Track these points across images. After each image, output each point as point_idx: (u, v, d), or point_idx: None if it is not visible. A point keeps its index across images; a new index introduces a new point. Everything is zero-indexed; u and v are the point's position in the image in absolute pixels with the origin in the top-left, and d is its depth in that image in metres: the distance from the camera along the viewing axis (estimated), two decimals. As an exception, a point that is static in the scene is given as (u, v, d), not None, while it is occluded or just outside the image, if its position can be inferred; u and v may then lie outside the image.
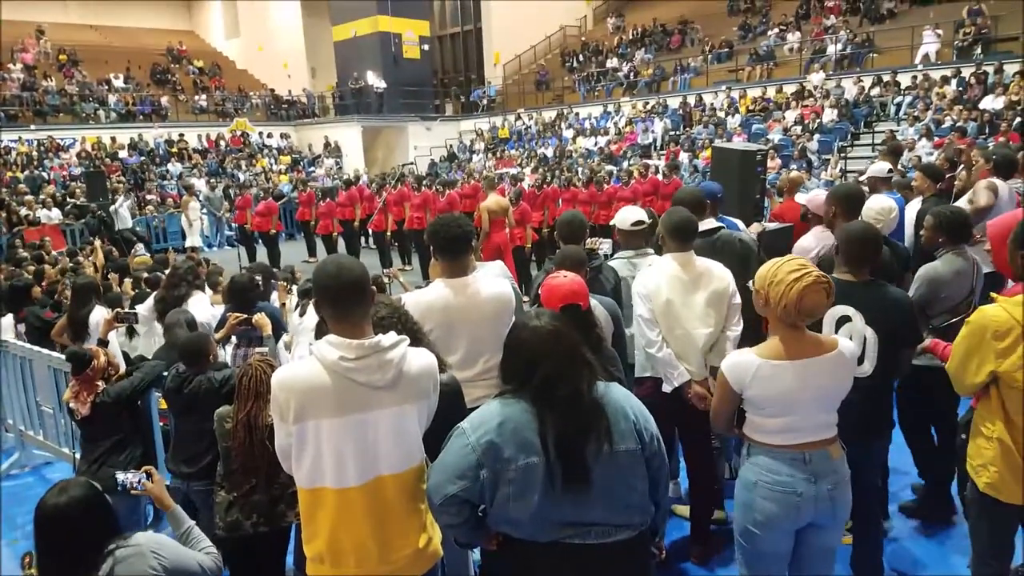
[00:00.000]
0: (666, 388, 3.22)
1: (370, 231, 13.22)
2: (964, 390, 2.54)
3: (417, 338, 2.43)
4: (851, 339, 2.75)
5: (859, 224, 3.11)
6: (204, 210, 17.21)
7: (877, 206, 4.02)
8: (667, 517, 3.77)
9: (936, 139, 13.40)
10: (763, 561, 2.39)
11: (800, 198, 4.64)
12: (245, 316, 3.96)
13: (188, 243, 14.23)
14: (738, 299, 3.34)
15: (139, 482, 2.51)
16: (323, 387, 1.97)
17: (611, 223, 4.58)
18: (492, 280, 3.12)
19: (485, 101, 26.50)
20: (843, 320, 2.80)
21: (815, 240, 4.07)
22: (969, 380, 2.46)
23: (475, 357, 2.96)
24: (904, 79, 16.88)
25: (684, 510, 3.80)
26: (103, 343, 4.13)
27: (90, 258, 9.10)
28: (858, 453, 2.86)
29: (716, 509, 3.79)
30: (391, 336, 2.05)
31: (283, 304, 5.05)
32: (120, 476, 2.56)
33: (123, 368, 4.05)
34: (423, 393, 2.09)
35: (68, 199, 16.58)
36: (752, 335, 2.94)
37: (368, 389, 1.98)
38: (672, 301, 3.27)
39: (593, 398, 1.92)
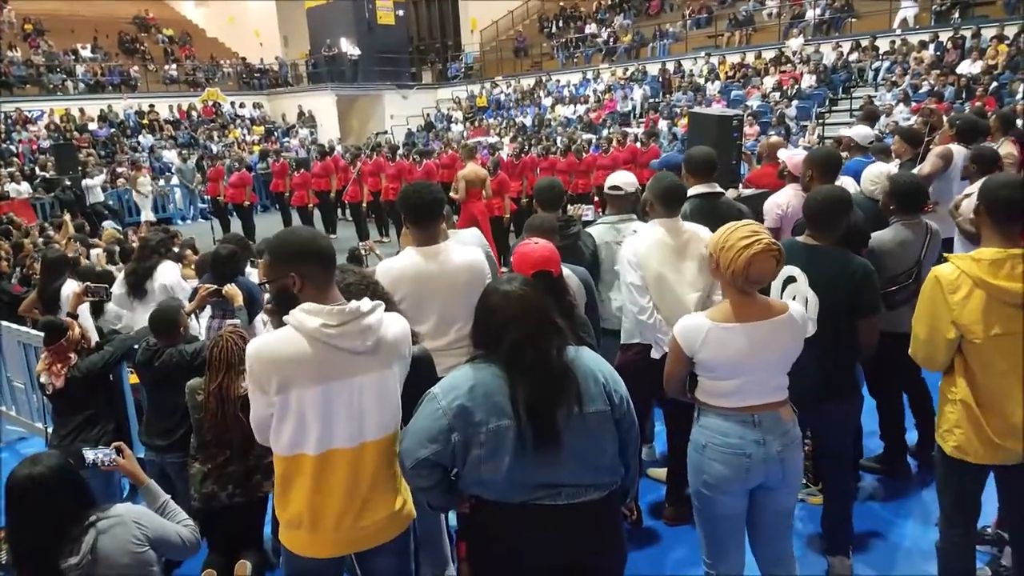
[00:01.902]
0: (655, 354, 3.20)
1: (346, 203, 13.07)
2: (937, 364, 2.51)
3: (388, 305, 2.41)
4: (794, 299, 2.77)
5: (826, 188, 3.11)
6: (176, 182, 16.96)
7: (875, 172, 4.04)
8: (637, 478, 3.82)
9: (913, 104, 13.45)
10: (717, 522, 2.42)
11: (782, 154, 4.66)
12: (215, 288, 3.91)
13: (143, 218, 14.01)
14: None
15: (110, 459, 2.47)
16: (304, 356, 1.95)
17: (594, 190, 4.58)
18: (464, 248, 3.10)
19: (462, 69, 26.14)
20: (789, 280, 2.82)
21: (784, 198, 4.10)
22: (940, 348, 2.45)
23: (447, 326, 2.95)
24: (883, 44, 16.88)
25: (660, 473, 3.85)
26: (73, 316, 4.06)
27: (58, 233, 8.91)
28: (820, 416, 2.91)
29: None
30: (368, 301, 2.05)
31: (263, 282, 4.96)
32: (88, 454, 2.51)
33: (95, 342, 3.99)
34: (401, 357, 2.11)
35: (37, 172, 16.20)
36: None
37: (350, 355, 1.98)
38: (661, 267, 3.27)
39: (563, 361, 1.93)
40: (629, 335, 3.41)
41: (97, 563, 2.07)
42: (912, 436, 3.96)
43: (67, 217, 10.04)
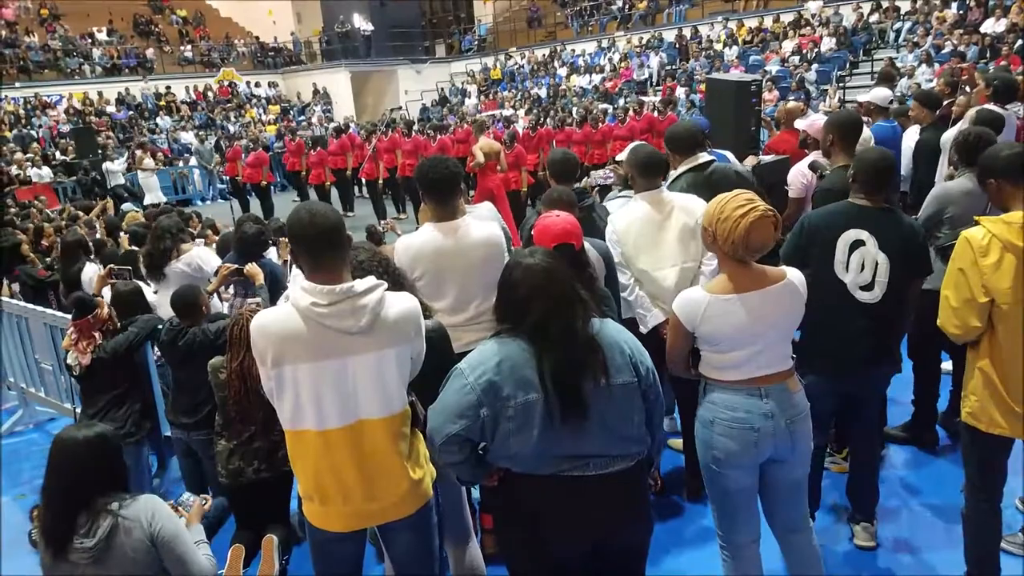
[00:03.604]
0: (642, 330, 3.20)
1: (363, 180, 13.07)
2: (971, 331, 2.44)
3: (399, 283, 2.41)
4: (863, 264, 2.76)
5: (875, 150, 3.04)
6: (195, 163, 17.06)
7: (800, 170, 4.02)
8: (662, 448, 3.83)
9: (937, 66, 13.11)
10: (729, 497, 2.41)
11: (799, 123, 4.55)
12: (236, 267, 3.94)
13: (147, 200, 13.91)
14: None
15: (190, 503, 2.74)
16: (298, 333, 1.98)
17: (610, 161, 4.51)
18: (482, 223, 3.07)
19: (476, 41, 25.87)
20: (856, 244, 2.77)
21: (807, 166, 4.02)
22: (972, 314, 2.39)
23: (466, 301, 2.95)
24: (903, 4, 16.47)
25: (679, 444, 3.85)
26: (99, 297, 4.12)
27: (101, 216, 8.99)
28: (867, 381, 2.90)
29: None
30: (367, 281, 2.03)
31: (285, 261, 5.00)
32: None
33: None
34: (403, 337, 2.07)
35: (58, 156, 16.37)
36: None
37: (342, 335, 1.98)
38: (642, 242, 3.23)
39: (588, 334, 1.93)
40: (624, 310, 3.39)
41: (108, 552, 2.09)
42: (943, 404, 3.90)
43: (109, 203, 10.18)
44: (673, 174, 3.71)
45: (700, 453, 2.43)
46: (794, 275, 2.35)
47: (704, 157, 3.71)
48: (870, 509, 3.12)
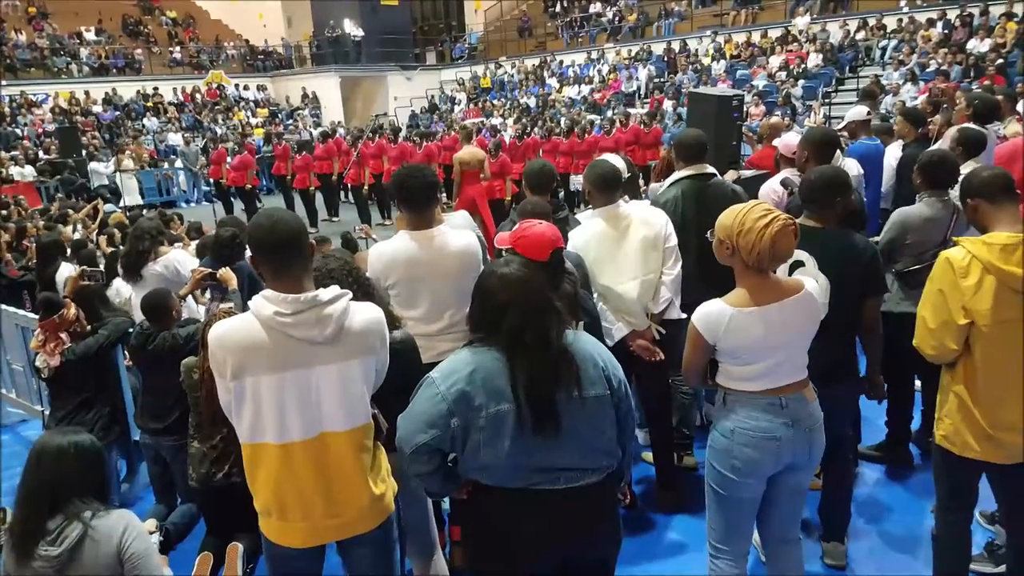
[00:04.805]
0: (608, 343, 3.20)
1: (348, 185, 13.03)
2: (947, 353, 2.42)
3: (368, 292, 2.39)
4: None
5: (821, 168, 3.05)
6: (180, 165, 16.96)
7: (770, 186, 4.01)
8: (632, 462, 3.81)
9: (922, 84, 13.26)
10: (738, 507, 2.41)
11: (776, 141, 4.59)
12: (209, 271, 3.90)
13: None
14: (673, 242, 3.31)
15: None
16: (260, 343, 1.93)
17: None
18: (458, 233, 3.06)
19: (466, 49, 25.92)
20: (796, 265, 2.78)
21: (779, 183, 4.04)
22: (950, 336, 2.37)
23: (440, 311, 2.93)
24: (890, 22, 16.65)
25: (651, 456, 3.84)
26: (71, 299, 4.07)
27: (91, 217, 8.90)
28: (824, 400, 2.87)
29: (686, 456, 3.83)
30: (331, 290, 2.00)
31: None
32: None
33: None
34: (369, 348, 2.04)
35: (41, 156, 16.23)
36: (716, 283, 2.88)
37: (307, 344, 1.94)
38: (600, 258, 3.24)
39: (562, 344, 1.92)
40: None
41: (72, 563, 2.04)
42: (917, 423, 3.91)
43: (100, 202, 10.10)
44: (674, 176, 3.73)
45: (715, 462, 2.40)
46: (811, 285, 2.36)
47: (708, 169, 3.71)
48: (841, 530, 3.11)
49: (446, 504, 3.07)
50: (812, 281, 2.39)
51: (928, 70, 14.07)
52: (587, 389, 1.91)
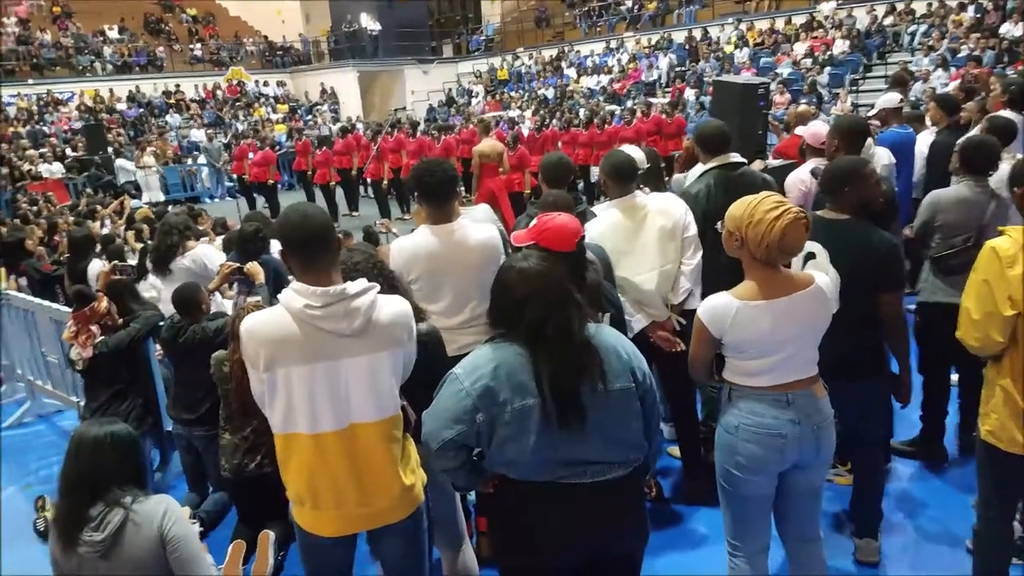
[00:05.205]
0: (628, 335, 3.18)
1: (368, 180, 13.09)
2: (992, 345, 2.34)
3: (392, 286, 2.40)
4: None
5: (842, 158, 2.99)
6: (203, 161, 17.15)
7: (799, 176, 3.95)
8: (658, 455, 3.80)
9: (953, 71, 12.98)
10: (746, 504, 2.38)
11: (800, 130, 4.51)
12: (237, 265, 3.95)
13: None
14: (693, 231, 3.28)
15: None
16: (291, 335, 1.96)
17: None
18: (478, 226, 3.06)
19: (483, 41, 25.87)
20: (808, 257, 2.72)
21: (807, 173, 3.98)
22: (996, 327, 2.29)
23: (462, 304, 2.94)
24: (919, 7, 16.32)
25: (678, 451, 3.82)
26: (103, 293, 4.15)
27: (121, 213, 9.06)
28: (841, 394, 2.77)
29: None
30: (359, 283, 2.02)
31: None
32: None
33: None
34: (396, 341, 2.06)
35: (69, 153, 16.50)
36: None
37: (336, 337, 1.97)
38: (617, 249, 3.20)
39: (584, 337, 1.91)
40: None
41: (116, 548, 2.09)
42: (955, 418, 3.80)
43: (126, 198, 10.26)
44: (700, 169, 3.68)
45: (721, 459, 2.38)
46: (822, 280, 2.32)
47: (735, 158, 3.65)
48: (873, 527, 3.06)
49: (472, 495, 3.08)
50: (823, 276, 2.35)
51: (959, 56, 13.78)
52: (612, 382, 1.90)
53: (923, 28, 15.64)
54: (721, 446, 2.38)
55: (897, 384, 2.90)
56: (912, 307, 3.63)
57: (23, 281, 6.15)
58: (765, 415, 2.26)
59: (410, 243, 2.98)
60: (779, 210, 2.17)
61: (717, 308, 2.27)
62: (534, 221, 2.46)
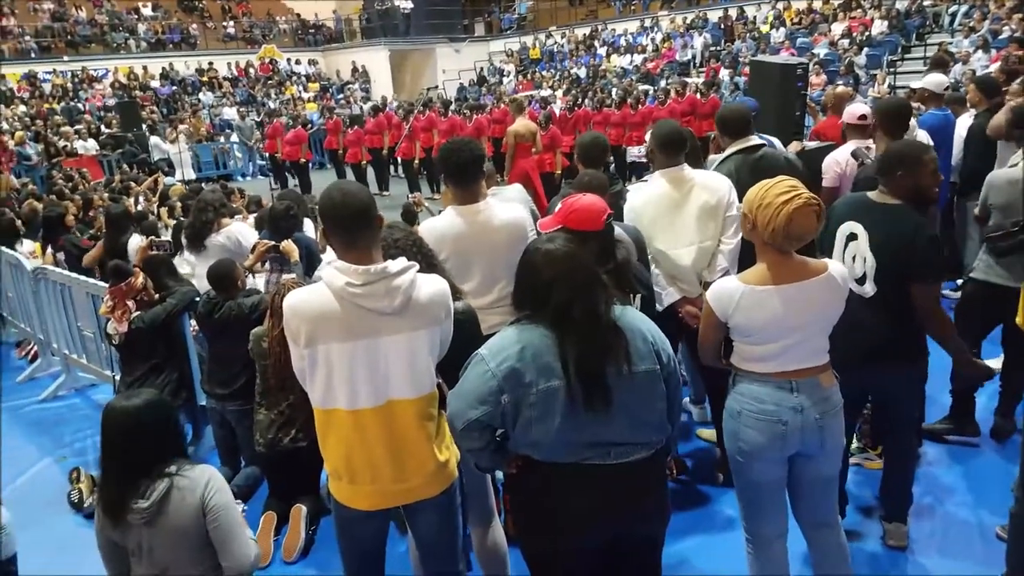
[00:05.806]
0: (657, 307, 3.15)
1: (399, 159, 13.10)
2: None
3: (431, 264, 2.41)
4: (855, 258, 2.67)
5: (900, 142, 2.92)
6: (236, 139, 17.30)
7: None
8: (679, 437, 3.79)
9: (993, 52, 12.58)
10: (755, 489, 2.37)
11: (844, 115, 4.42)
12: (272, 243, 3.99)
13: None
14: (736, 210, 3.20)
15: None
16: (332, 312, 1.98)
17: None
18: (506, 206, 3.05)
19: (515, 20, 25.62)
20: (851, 238, 2.69)
21: (844, 155, 3.90)
22: None
23: (490, 284, 2.95)
24: (961, -14, 15.83)
25: (710, 434, 3.81)
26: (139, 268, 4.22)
27: (155, 190, 9.20)
28: (878, 377, 2.76)
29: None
30: (399, 262, 2.04)
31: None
32: None
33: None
34: (434, 319, 2.08)
35: (103, 130, 16.75)
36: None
37: (376, 315, 1.99)
38: (657, 221, 3.18)
39: (611, 319, 1.91)
40: None
41: (161, 516, 2.12)
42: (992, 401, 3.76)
43: (160, 175, 10.39)
44: (721, 155, 3.65)
45: (727, 443, 2.40)
46: (835, 268, 2.28)
47: (755, 140, 3.62)
48: (901, 512, 3.03)
49: (500, 473, 3.10)
50: (838, 263, 2.31)
51: (1001, 37, 13.32)
52: (637, 364, 1.90)
53: (964, 8, 15.18)
54: (726, 431, 2.39)
55: (959, 368, 2.80)
56: (954, 287, 3.56)
57: (61, 256, 6.27)
58: (767, 401, 2.25)
59: (439, 224, 2.98)
60: (789, 195, 2.15)
61: (723, 291, 2.27)
62: (558, 206, 2.45)
